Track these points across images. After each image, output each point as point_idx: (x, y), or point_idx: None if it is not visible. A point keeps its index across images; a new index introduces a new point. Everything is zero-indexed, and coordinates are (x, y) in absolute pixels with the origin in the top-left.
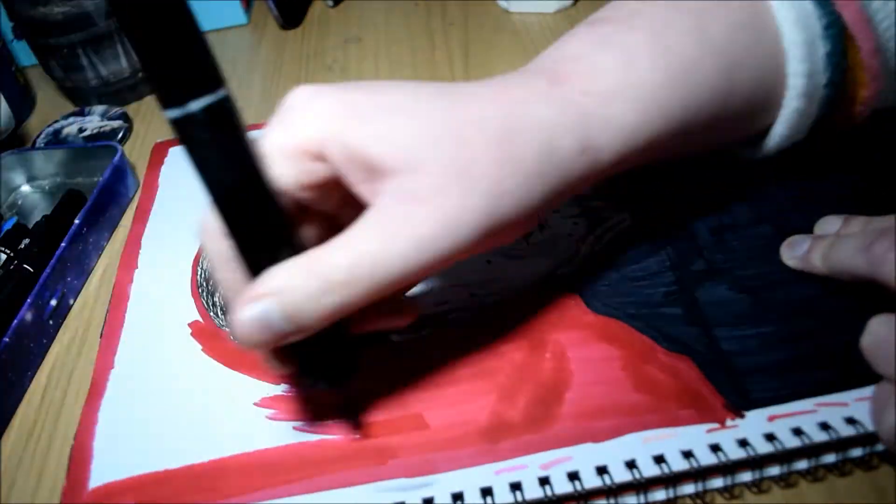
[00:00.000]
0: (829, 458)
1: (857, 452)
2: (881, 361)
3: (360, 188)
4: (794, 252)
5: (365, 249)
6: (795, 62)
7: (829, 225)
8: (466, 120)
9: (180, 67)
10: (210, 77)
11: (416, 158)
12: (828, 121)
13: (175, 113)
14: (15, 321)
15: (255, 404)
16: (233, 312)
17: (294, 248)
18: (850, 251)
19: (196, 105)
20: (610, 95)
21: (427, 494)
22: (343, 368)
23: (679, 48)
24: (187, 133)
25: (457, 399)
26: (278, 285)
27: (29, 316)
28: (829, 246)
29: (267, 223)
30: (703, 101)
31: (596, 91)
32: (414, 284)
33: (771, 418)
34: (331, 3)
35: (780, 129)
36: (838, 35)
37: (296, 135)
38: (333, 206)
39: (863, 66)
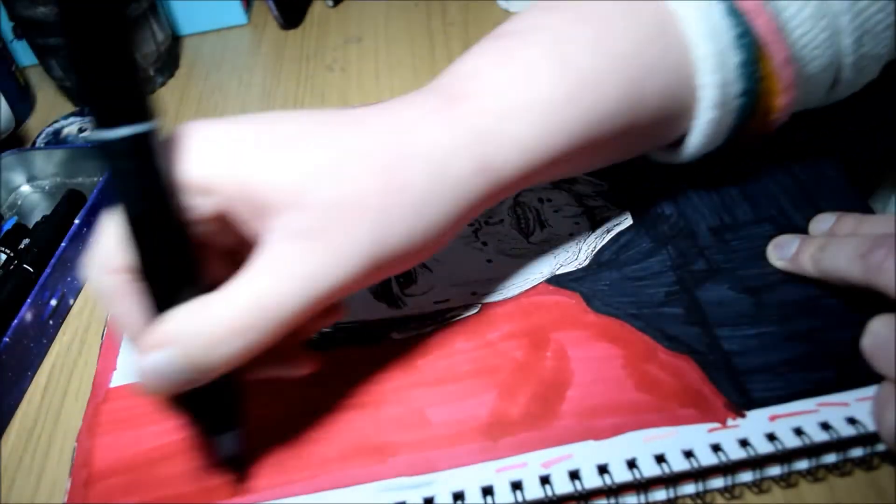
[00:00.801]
0: (830, 458)
1: (857, 452)
2: (882, 362)
3: (250, 225)
4: (783, 253)
5: (261, 292)
6: (706, 74)
7: (822, 223)
8: (351, 150)
9: (117, 96)
10: (141, 108)
11: (301, 194)
12: (746, 128)
13: (103, 135)
14: (15, 321)
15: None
16: (135, 354)
17: (199, 285)
18: (846, 258)
19: (124, 132)
20: (507, 113)
21: (427, 493)
22: (226, 417)
23: (580, 63)
24: (110, 157)
25: (458, 396)
26: (181, 330)
27: (29, 316)
28: (819, 249)
29: (176, 257)
30: (607, 115)
31: (492, 109)
32: (314, 331)
33: (772, 418)
34: (331, 3)
35: (696, 139)
36: (750, 45)
37: (183, 170)
38: (231, 243)
39: (777, 75)
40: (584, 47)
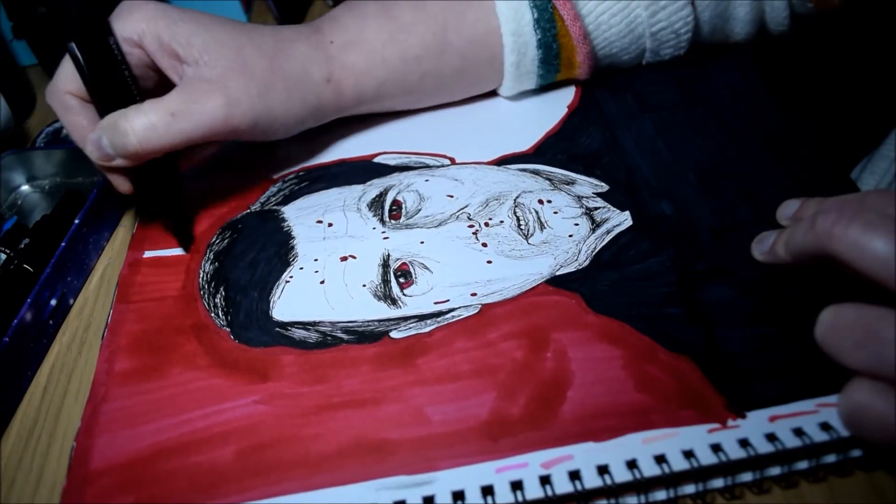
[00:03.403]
0: (830, 458)
1: (857, 453)
2: (832, 348)
3: (168, 71)
4: (762, 247)
5: (172, 108)
6: (505, 23)
7: (787, 209)
8: (248, 39)
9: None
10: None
11: (208, 54)
12: (555, 79)
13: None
14: (15, 321)
15: (255, 401)
16: (85, 144)
17: (131, 103)
18: (802, 233)
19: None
20: (347, 46)
21: (427, 492)
22: (184, 235)
23: (399, 14)
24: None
25: (457, 395)
26: (110, 123)
27: (29, 316)
28: (788, 234)
29: (110, 81)
30: (418, 55)
31: (338, 42)
32: (195, 160)
33: (772, 418)
34: (330, 2)
35: (508, 82)
36: (542, 5)
37: (123, 28)
38: (154, 84)
39: (569, 32)
40: (406, 5)
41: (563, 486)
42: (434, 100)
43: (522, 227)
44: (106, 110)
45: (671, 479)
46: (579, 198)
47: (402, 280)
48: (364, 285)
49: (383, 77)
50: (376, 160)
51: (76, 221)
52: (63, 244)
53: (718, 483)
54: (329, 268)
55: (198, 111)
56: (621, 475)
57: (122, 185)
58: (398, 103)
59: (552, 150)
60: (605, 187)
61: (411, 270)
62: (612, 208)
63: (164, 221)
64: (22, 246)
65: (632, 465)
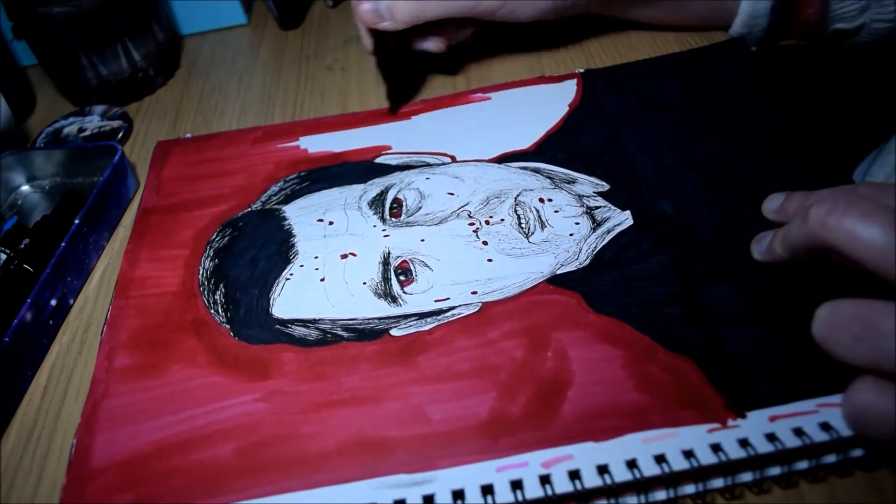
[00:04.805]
0: (830, 458)
1: (857, 453)
2: (830, 344)
3: None
4: (760, 247)
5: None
6: None
7: (772, 202)
8: None
9: None
10: None
11: None
12: (784, 23)
13: None
14: (15, 321)
15: (255, 398)
16: (357, 4)
17: None
18: (797, 227)
19: None
20: None
21: (427, 491)
22: (399, 88)
23: None
24: None
25: (457, 394)
26: None
27: (29, 316)
28: (784, 230)
29: None
30: None
31: None
32: (458, 36)
33: (772, 418)
34: (331, 3)
35: (745, 8)
36: None
37: None
38: None
39: None
40: None
41: (562, 485)
42: (671, 12)
43: (523, 225)
44: None
45: (671, 479)
46: (580, 197)
47: (402, 278)
48: (364, 283)
49: None
50: (377, 160)
51: (76, 221)
52: (63, 244)
53: (718, 483)
54: (329, 265)
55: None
56: (621, 475)
57: (369, 44)
58: (638, 9)
59: (553, 149)
60: (605, 186)
61: (412, 268)
62: (613, 207)
63: (386, 84)
64: (22, 246)
65: (632, 464)
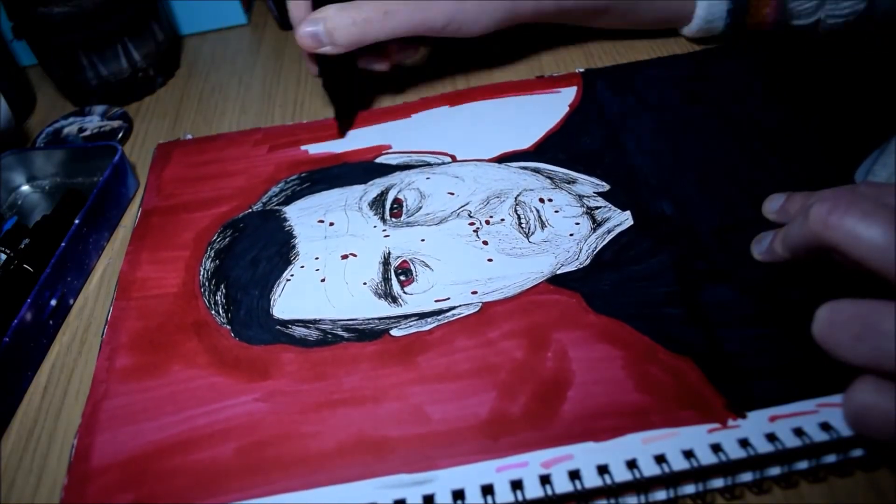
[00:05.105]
0: (830, 458)
1: (857, 453)
2: (830, 345)
3: None
4: (761, 247)
5: (385, 8)
6: None
7: (773, 203)
8: None
9: None
10: None
11: None
12: (742, 23)
13: None
14: (15, 321)
15: (255, 398)
16: (297, 29)
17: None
18: (798, 227)
19: None
20: None
21: (427, 491)
22: (348, 110)
23: None
24: None
25: (457, 394)
26: (325, 15)
27: (29, 316)
28: (784, 230)
29: None
30: None
31: None
32: (397, 57)
33: (772, 418)
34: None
35: (700, 12)
36: None
37: None
38: None
39: None
40: None
41: (563, 485)
42: (624, 18)
43: (523, 225)
44: (323, 1)
45: (671, 479)
46: (580, 197)
47: (402, 278)
48: (365, 283)
49: None
50: (378, 160)
51: (76, 221)
52: (63, 244)
53: (718, 483)
54: (330, 266)
55: (404, 10)
56: (621, 475)
57: (312, 68)
58: (571, 19)
59: (553, 149)
60: (605, 186)
61: (412, 268)
62: (613, 208)
63: (335, 107)
64: (22, 246)
65: (632, 464)
